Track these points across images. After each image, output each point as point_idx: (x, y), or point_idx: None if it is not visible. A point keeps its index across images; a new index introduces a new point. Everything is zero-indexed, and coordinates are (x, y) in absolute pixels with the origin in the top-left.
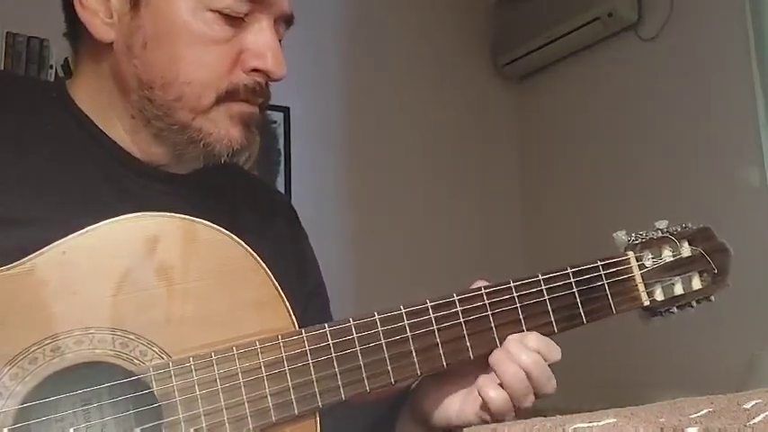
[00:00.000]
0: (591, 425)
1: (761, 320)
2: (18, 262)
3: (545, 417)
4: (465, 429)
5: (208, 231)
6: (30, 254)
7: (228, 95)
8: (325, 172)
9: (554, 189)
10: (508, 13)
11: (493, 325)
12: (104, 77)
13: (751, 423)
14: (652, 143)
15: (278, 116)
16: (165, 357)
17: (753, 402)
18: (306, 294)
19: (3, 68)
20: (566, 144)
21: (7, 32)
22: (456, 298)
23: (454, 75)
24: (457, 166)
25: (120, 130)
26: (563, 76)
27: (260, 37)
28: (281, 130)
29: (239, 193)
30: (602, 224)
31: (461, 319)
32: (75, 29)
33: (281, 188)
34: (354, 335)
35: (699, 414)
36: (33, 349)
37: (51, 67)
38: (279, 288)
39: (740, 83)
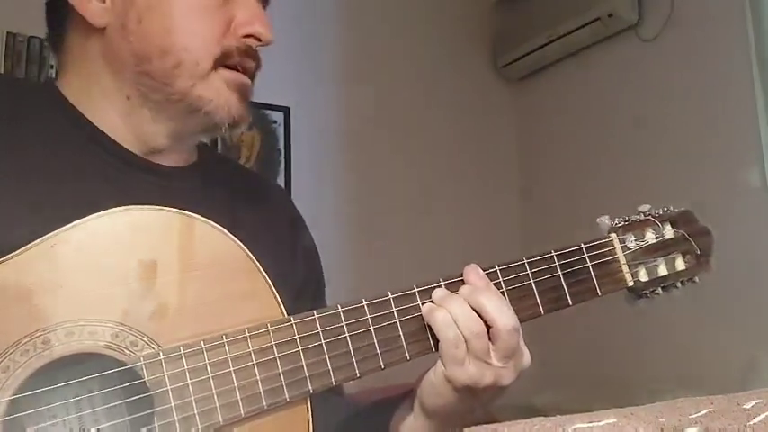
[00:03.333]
0: (591, 425)
1: (761, 320)
2: (7, 256)
3: (545, 417)
4: (465, 430)
5: (197, 224)
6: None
7: (223, 58)
8: (325, 172)
9: (553, 189)
10: (508, 14)
11: None
12: (93, 65)
13: (751, 423)
14: (652, 143)
15: (278, 116)
16: (155, 347)
17: (753, 402)
18: (299, 282)
19: (3, 69)
20: (565, 144)
21: (7, 32)
22: (442, 283)
23: (454, 75)
24: (456, 165)
25: (113, 116)
26: (563, 76)
27: (247, 6)
28: (281, 131)
29: (234, 186)
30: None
31: None
32: (59, 25)
33: (281, 187)
34: (343, 321)
35: (699, 414)
36: (24, 341)
37: (51, 67)
38: (268, 279)
39: (740, 83)
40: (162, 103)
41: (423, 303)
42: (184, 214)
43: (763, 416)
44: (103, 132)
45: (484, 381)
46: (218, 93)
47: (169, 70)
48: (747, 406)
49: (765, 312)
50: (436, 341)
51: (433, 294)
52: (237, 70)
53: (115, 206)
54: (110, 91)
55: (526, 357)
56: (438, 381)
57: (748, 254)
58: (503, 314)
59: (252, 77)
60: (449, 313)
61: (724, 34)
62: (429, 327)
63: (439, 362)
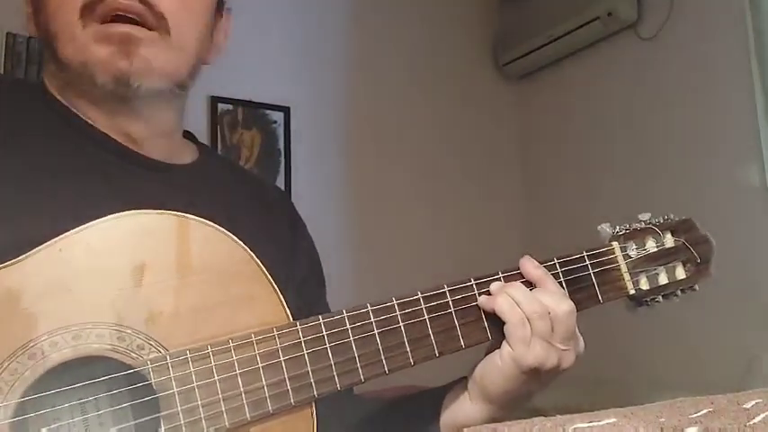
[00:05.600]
0: (591, 425)
1: (761, 321)
2: (15, 259)
3: (545, 417)
4: (465, 429)
5: (202, 228)
6: (23, 251)
7: (88, 10)
8: (325, 171)
9: (554, 188)
10: (509, 13)
11: (483, 315)
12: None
13: (751, 423)
14: (652, 143)
15: (278, 116)
16: (161, 351)
17: (753, 402)
18: (300, 282)
19: (3, 69)
20: (566, 143)
21: (7, 33)
22: (447, 289)
23: (455, 73)
24: (457, 165)
25: (88, 113)
26: (563, 75)
27: None
28: (281, 130)
29: (234, 185)
30: (602, 223)
31: (452, 309)
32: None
33: (281, 187)
34: (348, 326)
35: (699, 414)
36: (31, 345)
37: None
38: (272, 282)
39: (740, 83)
40: (71, 82)
41: (426, 308)
42: (190, 218)
43: (763, 416)
44: (97, 128)
45: (549, 362)
46: (85, 52)
47: (54, 46)
48: (747, 406)
49: (765, 312)
50: (441, 349)
51: (490, 286)
52: (115, 20)
53: (115, 204)
54: (67, 92)
55: (581, 342)
56: (505, 363)
57: (748, 253)
58: (560, 298)
59: (144, 19)
60: (510, 297)
61: (724, 33)
62: (433, 333)
63: (505, 345)
